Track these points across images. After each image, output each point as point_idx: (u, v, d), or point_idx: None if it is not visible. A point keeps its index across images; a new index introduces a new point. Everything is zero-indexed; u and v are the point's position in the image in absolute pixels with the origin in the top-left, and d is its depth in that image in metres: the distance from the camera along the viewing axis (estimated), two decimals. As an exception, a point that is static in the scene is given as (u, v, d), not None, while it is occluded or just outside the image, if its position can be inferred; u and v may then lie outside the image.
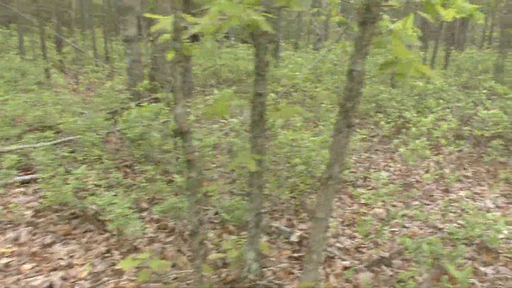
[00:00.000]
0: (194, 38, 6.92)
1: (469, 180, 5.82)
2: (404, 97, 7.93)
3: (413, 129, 5.47)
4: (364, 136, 7.39)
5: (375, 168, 6.13)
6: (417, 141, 4.95)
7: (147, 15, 2.71)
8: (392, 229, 4.40)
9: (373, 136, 7.42)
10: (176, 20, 2.74)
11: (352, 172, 5.94)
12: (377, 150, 7.03)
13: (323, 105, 6.69)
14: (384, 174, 5.99)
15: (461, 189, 5.57)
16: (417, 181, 5.78)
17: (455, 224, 4.48)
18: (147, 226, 4.04)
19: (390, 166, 6.32)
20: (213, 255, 3.33)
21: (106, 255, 3.59)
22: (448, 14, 3.05)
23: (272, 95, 4.86)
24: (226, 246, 3.25)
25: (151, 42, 8.62)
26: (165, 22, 2.75)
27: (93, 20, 18.78)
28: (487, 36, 23.92)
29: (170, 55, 3.10)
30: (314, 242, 2.63)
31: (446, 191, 5.47)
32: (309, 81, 8.30)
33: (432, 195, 5.33)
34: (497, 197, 5.29)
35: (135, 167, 5.19)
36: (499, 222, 3.81)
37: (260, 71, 2.66)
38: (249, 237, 2.87)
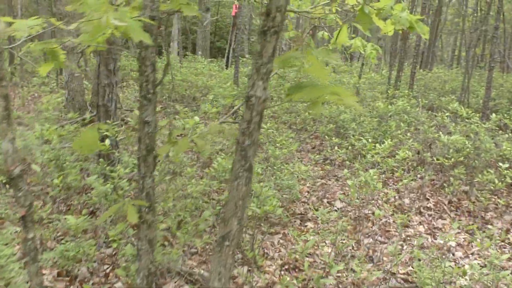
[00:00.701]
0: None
1: (429, 213, 5.31)
2: (367, 118, 7.46)
3: (368, 156, 4.93)
4: (321, 161, 6.87)
5: (329, 198, 5.57)
6: (371, 170, 4.40)
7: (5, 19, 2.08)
8: (338, 275, 3.81)
9: (332, 161, 6.89)
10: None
11: (303, 202, 5.38)
12: (335, 175, 6.49)
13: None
14: (338, 204, 5.45)
15: (420, 223, 5.05)
16: (374, 213, 5.24)
17: (410, 268, 3.93)
18: (44, 272, 3.36)
19: (347, 195, 5.77)
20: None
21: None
22: (387, 27, 2.53)
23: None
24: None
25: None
26: (20, 26, 2.14)
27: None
28: (456, 55, 24.00)
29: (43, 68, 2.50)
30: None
31: (405, 225, 4.93)
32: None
33: (389, 231, 4.79)
34: (459, 233, 4.78)
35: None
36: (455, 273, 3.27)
37: (146, 93, 2.06)
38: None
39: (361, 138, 5.86)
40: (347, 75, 12.02)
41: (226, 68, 15.86)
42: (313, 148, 7.81)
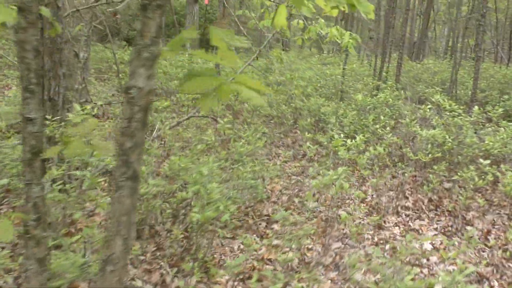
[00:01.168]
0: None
1: (407, 212, 4.98)
2: (349, 111, 7.10)
3: (341, 152, 4.58)
4: (300, 157, 6.54)
5: (301, 197, 5.23)
6: (340, 168, 4.06)
7: None
8: (302, 284, 3.47)
9: (310, 157, 6.54)
10: None
11: (273, 201, 5.03)
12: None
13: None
14: (311, 204, 5.10)
15: (396, 224, 4.71)
16: (349, 213, 4.90)
17: (378, 277, 3.59)
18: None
19: (323, 194, 5.43)
20: None
21: None
22: (326, 6, 2.17)
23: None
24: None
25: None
26: None
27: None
28: (450, 46, 23.59)
29: None
30: None
31: (379, 227, 4.60)
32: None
33: (361, 233, 4.45)
34: (436, 235, 4.44)
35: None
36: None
37: (28, 84, 1.71)
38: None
39: (339, 132, 5.50)
40: (333, 66, 11.65)
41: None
42: (294, 142, 7.47)
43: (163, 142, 5.34)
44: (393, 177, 6.10)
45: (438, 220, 4.84)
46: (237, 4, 20.02)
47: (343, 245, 4.16)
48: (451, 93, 9.63)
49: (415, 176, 5.94)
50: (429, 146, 5.06)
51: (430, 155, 4.93)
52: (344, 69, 9.29)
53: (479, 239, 4.38)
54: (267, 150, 6.60)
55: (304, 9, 2.10)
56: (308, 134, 5.40)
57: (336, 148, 4.59)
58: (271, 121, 7.86)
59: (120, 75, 9.40)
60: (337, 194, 4.10)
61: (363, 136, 4.81)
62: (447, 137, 5.09)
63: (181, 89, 1.38)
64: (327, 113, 7.10)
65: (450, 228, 4.65)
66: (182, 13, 21.28)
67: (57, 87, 4.16)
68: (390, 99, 6.79)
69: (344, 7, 1.94)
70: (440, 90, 7.50)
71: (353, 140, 4.51)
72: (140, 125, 1.39)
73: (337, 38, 6.02)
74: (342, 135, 5.00)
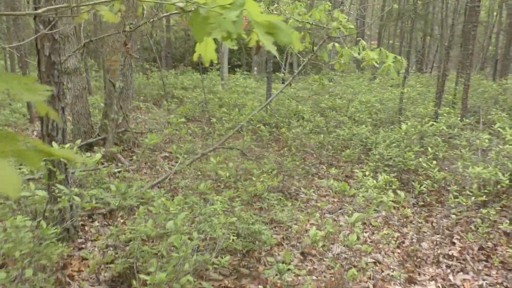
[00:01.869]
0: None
1: (450, 263, 4.25)
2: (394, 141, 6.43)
3: (361, 194, 4.00)
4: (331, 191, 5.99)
5: (332, 239, 4.68)
6: (354, 215, 3.51)
7: None
8: None
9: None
10: None
11: (291, 245, 4.55)
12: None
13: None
14: (336, 249, 4.55)
15: (433, 277, 4.03)
16: (378, 262, 4.29)
17: None
18: None
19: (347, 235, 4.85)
20: None
21: None
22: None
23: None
24: None
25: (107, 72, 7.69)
26: None
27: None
28: None
29: None
30: None
31: (410, 280, 3.94)
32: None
33: (386, 288, 3.83)
34: (478, 295, 3.71)
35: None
36: None
37: None
38: None
39: (374, 166, 4.90)
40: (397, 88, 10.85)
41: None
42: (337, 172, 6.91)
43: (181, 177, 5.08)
44: (446, 216, 5.37)
45: (486, 274, 4.08)
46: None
47: (359, 304, 3.58)
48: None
49: (469, 217, 5.16)
50: (474, 186, 4.31)
51: (473, 198, 4.19)
52: (402, 92, 8.56)
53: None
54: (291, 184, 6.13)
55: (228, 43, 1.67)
56: (334, 169, 4.84)
57: (354, 189, 4.02)
58: (312, 150, 7.36)
59: (168, 100, 9.40)
60: (353, 243, 3.53)
61: (388, 174, 4.18)
62: (499, 174, 4.33)
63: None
64: (372, 143, 6.51)
65: (499, 286, 3.88)
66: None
67: (54, 122, 4.03)
68: (444, 127, 6.03)
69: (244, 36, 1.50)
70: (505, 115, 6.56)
71: (375, 181, 3.91)
72: None
73: (376, 62, 5.48)
74: (368, 171, 4.38)
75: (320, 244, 4.56)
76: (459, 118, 7.70)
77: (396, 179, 4.68)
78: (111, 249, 3.69)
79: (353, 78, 16.49)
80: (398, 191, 3.53)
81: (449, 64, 12.26)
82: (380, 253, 4.43)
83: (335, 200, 5.79)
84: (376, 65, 5.36)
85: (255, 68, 19.99)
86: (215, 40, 1.55)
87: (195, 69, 17.84)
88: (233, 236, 3.63)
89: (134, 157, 6.75)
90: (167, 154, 7.32)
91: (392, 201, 3.66)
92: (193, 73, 16.02)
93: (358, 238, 3.51)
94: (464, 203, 4.12)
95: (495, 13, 24.62)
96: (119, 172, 6.40)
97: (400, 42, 26.15)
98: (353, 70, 19.02)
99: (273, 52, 1.31)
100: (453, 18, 13.85)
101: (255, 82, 13.79)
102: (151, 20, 5.89)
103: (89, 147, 6.91)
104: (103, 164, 6.68)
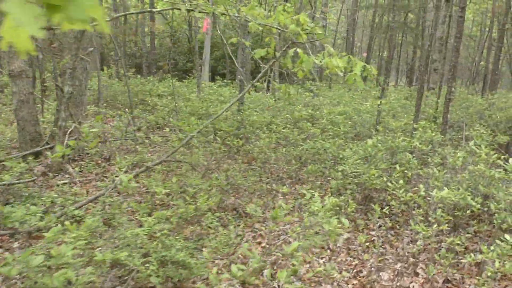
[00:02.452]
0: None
1: (407, 299, 3.73)
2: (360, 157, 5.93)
3: (307, 217, 3.47)
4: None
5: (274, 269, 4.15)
6: (294, 244, 2.99)
7: None
8: None
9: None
10: None
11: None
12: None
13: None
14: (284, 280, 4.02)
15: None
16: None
17: None
18: None
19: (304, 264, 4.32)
20: None
21: None
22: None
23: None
24: None
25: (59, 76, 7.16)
26: None
27: None
28: None
29: None
30: None
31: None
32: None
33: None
34: None
35: None
36: None
37: None
38: None
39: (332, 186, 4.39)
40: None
41: (267, 93, 14.71)
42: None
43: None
44: (413, 241, 4.87)
45: (449, 313, 3.57)
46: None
47: None
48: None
49: (438, 242, 4.65)
50: (438, 212, 3.80)
51: (435, 226, 3.68)
52: (379, 105, 8.09)
53: None
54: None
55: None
56: (285, 187, 4.30)
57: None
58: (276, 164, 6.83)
59: (133, 109, 8.88)
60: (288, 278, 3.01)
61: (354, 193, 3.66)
62: (468, 198, 3.83)
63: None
64: (340, 158, 6.03)
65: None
66: (237, 46, 21.01)
67: None
68: (418, 144, 5.54)
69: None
70: (483, 132, 6.07)
71: (321, 203, 3.37)
72: None
73: (340, 70, 5.00)
74: (308, 194, 3.82)
75: (267, 273, 4.03)
76: (439, 133, 7.23)
77: (352, 201, 4.18)
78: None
79: (339, 88, 16.04)
80: (342, 219, 3.03)
81: (436, 77, 11.84)
82: (332, 284, 3.90)
83: (296, 219, 5.28)
84: (340, 73, 4.89)
85: (239, 76, 19.53)
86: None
87: (174, 76, 17.37)
88: (154, 266, 3.09)
89: (89, 168, 6.23)
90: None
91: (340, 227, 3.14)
92: (170, 79, 15.53)
93: (295, 272, 2.98)
94: (424, 232, 3.60)
95: (487, 29, 24.33)
96: (64, 184, 5.87)
97: (389, 54, 25.87)
98: (340, 81, 18.63)
99: None
100: (443, 31, 13.46)
101: (229, 91, 13.29)
102: (109, 20, 5.39)
103: (35, 157, 6.37)
104: (47, 175, 6.15)
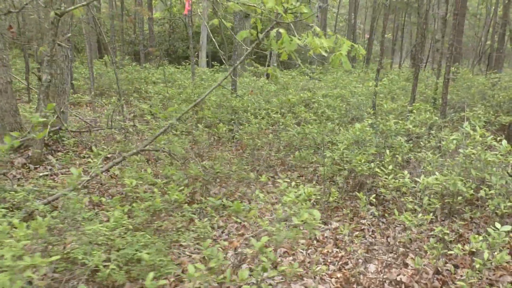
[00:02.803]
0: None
1: (393, 293, 3.50)
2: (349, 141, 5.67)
3: (280, 209, 3.24)
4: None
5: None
6: (263, 238, 2.77)
7: None
8: None
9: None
10: None
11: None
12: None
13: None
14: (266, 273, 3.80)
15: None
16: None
17: None
18: None
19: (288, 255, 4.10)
20: None
21: None
22: None
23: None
24: None
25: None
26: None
27: None
28: None
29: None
30: None
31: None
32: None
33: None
34: None
35: None
36: None
37: None
38: None
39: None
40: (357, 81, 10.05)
41: (267, 79, 14.41)
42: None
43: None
44: (405, 229, 4.63)
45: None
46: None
47: None
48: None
49: (431, 230, 4.41)
50: (425, 199, 3.55)
51: (420, 215, 3.42)
52: (375, 86, 7.78)
53: None
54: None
55: None
56: (263, 177, 4.04)
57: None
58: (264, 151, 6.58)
59: (123, 97, 8.65)
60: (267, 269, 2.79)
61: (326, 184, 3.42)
62: (458, 184, 3.57)
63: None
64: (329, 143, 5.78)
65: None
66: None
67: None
68: (411, 126, 5.26)
69: None
70: (504, 111, 5.75)
71: (297, 193, 3.11)
72: None
73: (325, 51, 4.73)
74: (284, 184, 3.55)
75: (227, 273, 3.81)
76: (436, 115, 6.95)
77: (335, 190, 3.93)
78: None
79: (338, 71, 15.66)
80: (314, 211, 2.79)
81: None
82: (314, 277, 3.67)
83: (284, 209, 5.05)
84: (324, 54, 4.61)
85: (237, 62, 19.18)
86: None
87: (172, 63, 17.10)
88: (116, 264, 2.89)
89: (66, 159, 6.02)
90: (108, 156, 6.57)
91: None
92: (167, 66, 15.27)
93: (264, 270, 2.76)
94: (407, 222, 3.35)
95: (493, 7, 23.68)
96: (45, 176, 5.68)
97: (393, 36, 25.36)
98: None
99: None
100: (446, 10, 13.06)
101: (223, 76, 13.01)
102: (85, 4, 5.14)
103: (16, 149, 6.18)
104: (27, 167, 5.96)
